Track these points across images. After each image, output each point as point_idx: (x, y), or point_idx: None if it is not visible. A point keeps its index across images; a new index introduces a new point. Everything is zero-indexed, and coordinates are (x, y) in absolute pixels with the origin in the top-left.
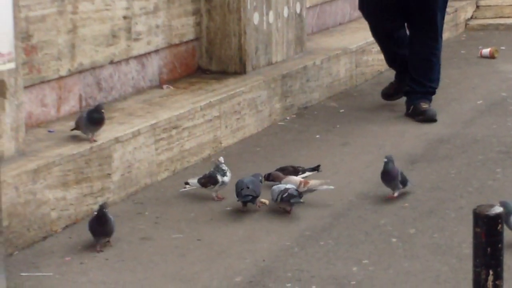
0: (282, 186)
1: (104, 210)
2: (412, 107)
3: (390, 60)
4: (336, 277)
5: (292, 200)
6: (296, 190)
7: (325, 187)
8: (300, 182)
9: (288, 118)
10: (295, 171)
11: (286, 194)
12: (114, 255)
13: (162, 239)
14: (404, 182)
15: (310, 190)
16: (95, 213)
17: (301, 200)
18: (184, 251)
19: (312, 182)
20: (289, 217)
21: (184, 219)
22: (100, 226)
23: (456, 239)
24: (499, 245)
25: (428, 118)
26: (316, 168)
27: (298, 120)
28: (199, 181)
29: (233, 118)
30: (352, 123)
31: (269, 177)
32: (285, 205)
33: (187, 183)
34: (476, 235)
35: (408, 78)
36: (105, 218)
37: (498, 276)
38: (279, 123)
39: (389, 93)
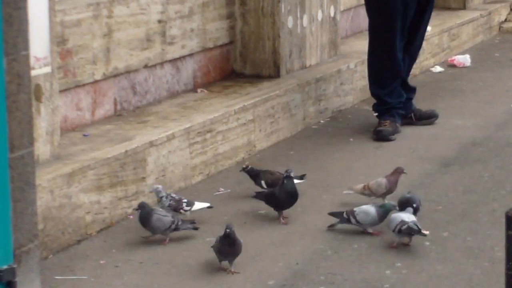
0: (399, 217)
1: (231, 230)
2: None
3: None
4: (369, 280)
5: (413, 233)
6: (416, 224)
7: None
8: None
9: (321, 121)
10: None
11: (406, 226)
12: (149, 259)
13: (196, 242)
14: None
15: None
16: (223, 234)
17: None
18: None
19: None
20: (322, 220)
21: (218, 223)
22: (228, 246)
23: (489, 242)
24: None
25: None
26: (302, 177)
27: (332, 123)
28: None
29: (267, 121)
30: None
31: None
32: (405, 238)
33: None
34: (509, 238)
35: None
36: (233, 239)
37: None
38: (313, 126)
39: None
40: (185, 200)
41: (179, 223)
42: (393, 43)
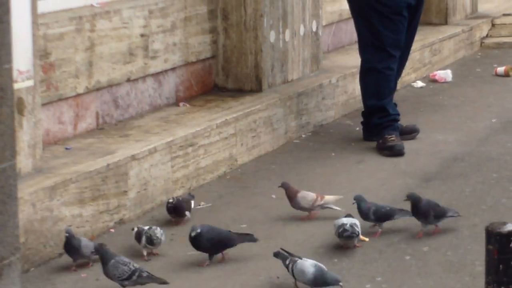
0: (340, 221)
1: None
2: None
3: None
4: None
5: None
6: (352, 226)
7: (334, 207)
8: (317, 197)
9: (303, 136)
10: None
11: (342, 230)
12: None
13: (177, 255)
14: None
15: (323, 207)
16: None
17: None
18: (200, 268)
19: (327, 197)
20: (303, 235)
21: None
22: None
23: (469, 256)
24: (511, 262)
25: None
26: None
27: (314, 138)
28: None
29: (248, 135)
30: (367, 141)
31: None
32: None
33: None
34: (488, 252)
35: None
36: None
37: None
38: (295, 141)
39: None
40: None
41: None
42: (395, 54)
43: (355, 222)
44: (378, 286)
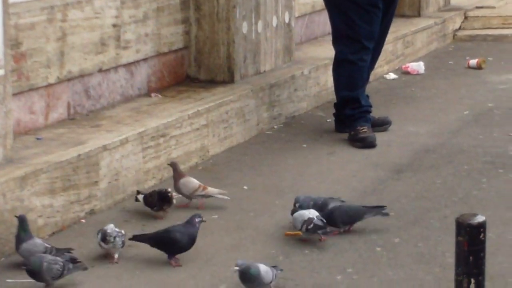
0: (305, 215)
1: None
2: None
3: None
4: (320, 285)
5: (319, 231)
6: (321, 219)
7: (220, 196)
8: (199, 186)
9: (275, 127)
10: None
11: (312, 225)
12: (100, 263)
13: (148, 246)
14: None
15: (206, 196)
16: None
17: (328, 230)
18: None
19: (210, 189)
20: (275, 226)
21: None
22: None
23: (440, 248)
24: (481, 254)
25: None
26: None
27: (286, 129)
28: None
29: (220, 126)
30: (339, 132)
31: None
32: (313, 236)
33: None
34: (458, 244)
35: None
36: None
37: (480, 285)
38: (267, 132)
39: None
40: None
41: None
42: (369, 45)
43: (318, 214)
44: (348, 277)
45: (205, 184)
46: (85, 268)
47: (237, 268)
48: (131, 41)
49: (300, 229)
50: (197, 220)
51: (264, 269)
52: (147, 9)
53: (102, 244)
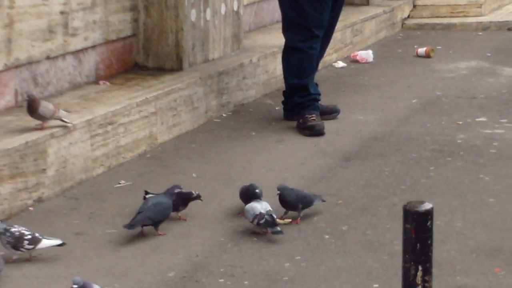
0: (257, 209)
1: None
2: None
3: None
4: (269, 272)
5: (271, 230)
6: (271, 215)
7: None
8: (55, 107)
9: (224, 115)
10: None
11: (263, 220)
12: (48, 250)
13: (96, 234)
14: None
15: (59, 118)
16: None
17: (279, 229)
18: (118, 246)
19: (61, 112)
20: (223, 213)
21: (118, 215)
22: None
23: (388, 236)
24: (429, 241)
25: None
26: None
27: (234, 117)
28: None
29: (169, 114)
30: (287, 120)
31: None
32: (261, 230)
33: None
34: (406, 231)
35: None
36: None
37: (427, 272)
38: (215, 120)
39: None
40: (29, 237)
41: None
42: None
43: (270, 208)
44: (297, 265)
45: (155, 170)
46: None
47: (74, 286)
48: (79, 28)
49: (252, 222)
50: (176, 191)
51: None
52: None
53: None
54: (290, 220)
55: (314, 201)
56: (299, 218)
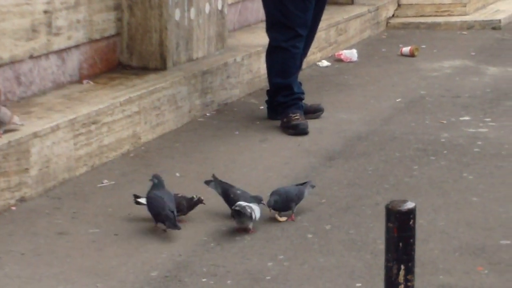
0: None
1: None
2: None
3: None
4: (251, 272)
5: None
6: (245, 207)
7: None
8: (11, 113)
9: (208, 114)
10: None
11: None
12: (30, 250)
13: (79, 233)
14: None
15: (14, 123)
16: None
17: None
18: (101, 245)
19: (15, 118)
20: (206, 213)
21: (101, 214)
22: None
23: (371, 235)
24: (411, 240)
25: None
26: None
27: (218, 116)
28: None
29: (152, 113)
30: (271, 120)
31: None
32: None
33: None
34: (388, 230)
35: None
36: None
37: (410, 271)
38: (199, 119)
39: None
40: None
41: None
42: (302, 33)
43: (251, 205)
44: (280, 264)
45: (138, 170)
46: None
47: None
48: (62, 27)
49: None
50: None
51: None
52: None
53: None
54: (286, 218)
55: (305, 192)
56: (293, 214)
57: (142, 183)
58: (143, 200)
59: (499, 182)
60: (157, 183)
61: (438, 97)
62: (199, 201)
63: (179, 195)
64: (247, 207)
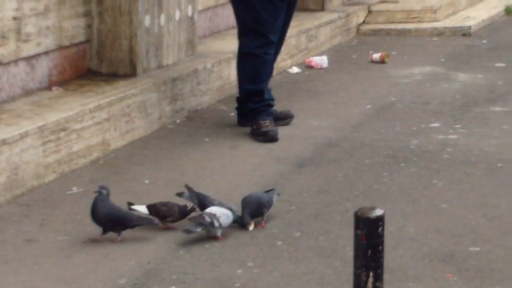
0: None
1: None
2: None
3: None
4: (221, 279)
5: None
6: (211, 216)
7: None
8: None
9: (178, 121)
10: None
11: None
12: None
13: (47, 241)
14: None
15: None
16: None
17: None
18: (70, 253)
19: None
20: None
21: (70, 221)
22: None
23: (340, 242)
24: (380, 247)
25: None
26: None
27: (188, 123)
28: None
29: (122, 120)
30: (241, 126)
31: None
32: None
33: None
34: (357, 237)
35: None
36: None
37: (378, 278)
38: (169, 126)
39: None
40: None
41: None
42: (273, 39)
43: (216, 213)
44: (249, 271)
45: (107, 177)
46: None
47: None
48: (31, 34)
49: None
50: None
51: None
52: (48, 2)
53: None
54: (253, 226)
55: (274, 200)
56: (263, 221)
57: (111, 190)
58: (138, 208)
59: (468, 188)
60: (106, 194)
61: (408, 103)
62: (193, 209)
63: (171, 202)
64: (205, 215)
